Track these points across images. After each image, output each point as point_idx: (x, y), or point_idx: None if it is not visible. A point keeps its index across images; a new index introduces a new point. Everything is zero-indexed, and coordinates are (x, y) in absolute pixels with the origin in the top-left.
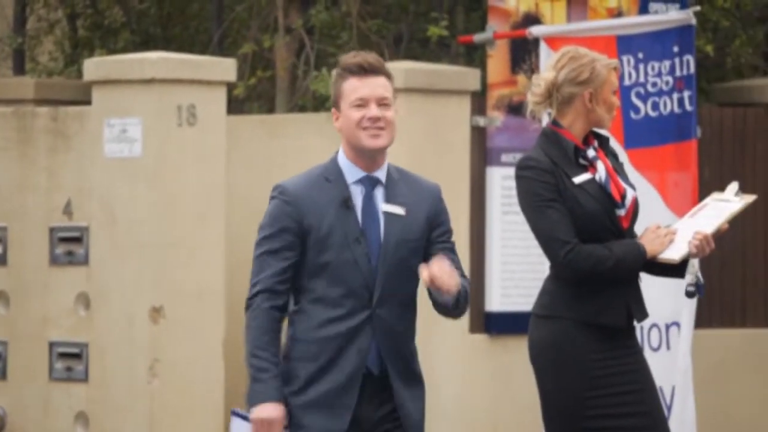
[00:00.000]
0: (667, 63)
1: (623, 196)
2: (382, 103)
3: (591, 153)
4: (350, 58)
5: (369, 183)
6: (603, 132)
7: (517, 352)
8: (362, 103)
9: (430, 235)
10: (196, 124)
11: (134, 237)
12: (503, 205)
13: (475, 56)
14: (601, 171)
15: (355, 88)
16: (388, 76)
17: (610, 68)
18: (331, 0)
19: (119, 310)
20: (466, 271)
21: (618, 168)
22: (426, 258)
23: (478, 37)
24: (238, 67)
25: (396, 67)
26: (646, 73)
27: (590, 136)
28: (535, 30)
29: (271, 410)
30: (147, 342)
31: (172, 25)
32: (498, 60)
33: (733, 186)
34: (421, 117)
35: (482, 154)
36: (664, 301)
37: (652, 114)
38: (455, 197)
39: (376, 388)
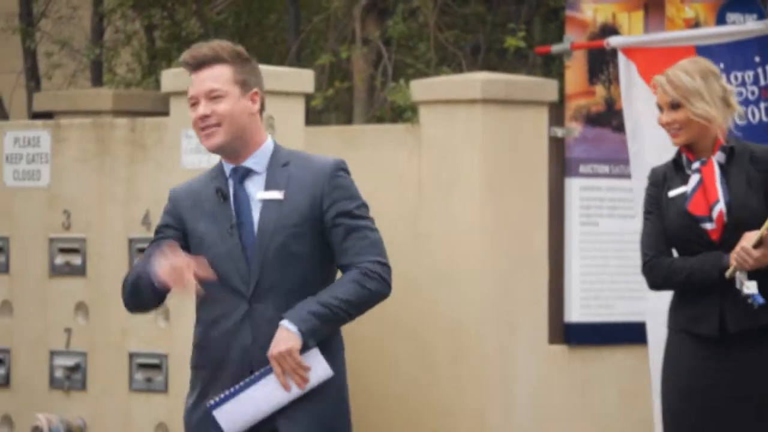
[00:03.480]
0: (750, 73)
1: (711, 209)
2: (211, 96)
3: (696, 165)
4: (184, 53)
5: (239, 174)
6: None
7: (595, 363)
8: (195, 101)
9: (324, 216)
10: (274, 135)
11: None
12: (582, 216)
13: (552, 67)
14: (690, 185)
15: (190, 86)
16: (224, 61)
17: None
18: (409, 11)
19: None
20: (544, 283)
21: (738, 178)
22: (327, 241)
23: (555, 48)
24: (315, 78)
25: (473, 78)
26: (729, 83)
27: (716, 147)
28: (612, 40)
29: (167, 260)
30: None
31: (249, 36)
32: (575, 71)
33: None
34: (499, 128)
35: (560, 165)
36: None
37: (740, 123)
38: (533, 208)
39: None
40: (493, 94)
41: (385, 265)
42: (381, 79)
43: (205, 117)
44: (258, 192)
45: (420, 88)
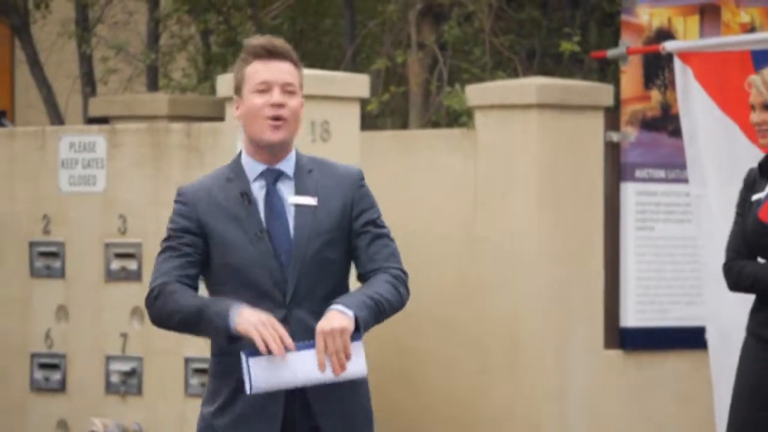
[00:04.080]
0: None
1: None
2: (286, 89)
3: None
4: (254, 40)
5: (270, 176)
6: None
7: (652, 368)
8: (265, 88)
9: (353, 224)
10: (330, 140)
11: None
12: (637, 220)
13: (608, 72)
14: (766, 191)
15: (257, 71)
16: (295, 63)
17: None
18: (464, 16)
19: None
20: (600, 288)
21: None
22: (352, 250)
23: (611, 53)
24: (371, 83)
25: (529, 82)
26: None
27: None
28: (669, 45)
29: (253, 311)
30: None
31: (305, 41)
32: (631, 75)
33: None
34: (554, 132)
35: (616, 170)
36: None
37: None
38: (589, 213)
39: (306, 394)
40: (548, 99)
41: (407, 275)
42: (436, 83)
43: (279, 106)
44: (290, 197)
45: (475, 93)
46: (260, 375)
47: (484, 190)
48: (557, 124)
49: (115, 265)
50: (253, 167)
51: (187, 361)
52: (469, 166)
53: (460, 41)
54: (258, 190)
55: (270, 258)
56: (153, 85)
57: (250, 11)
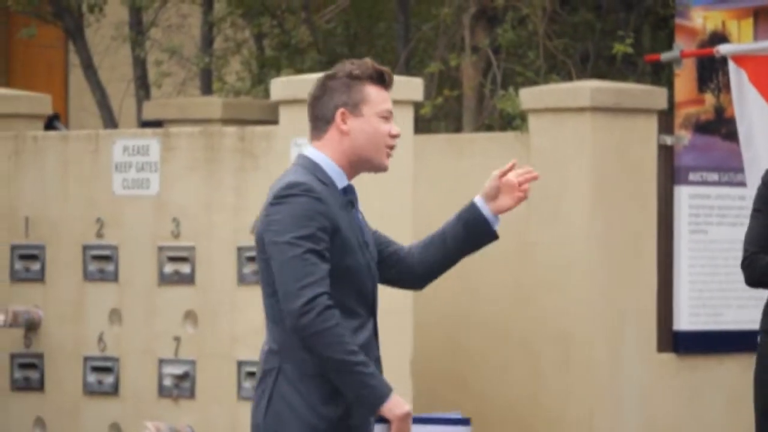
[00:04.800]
0: None
1: None
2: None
3: None
4: (372, 63)
5: (352, 191)
6: None
7: (705, 371)
8: (389, 116)
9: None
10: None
11: None
12: (691, 224)
13: (661, 75)
14: None
15: (383, 98)
16: None
17: None
18: (518, 19)
19: None
20: (653, 291)
21: None
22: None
23: (665, 56)
24: (424, 86)
25: (583, 86)
26: None
27: None
28: (723, 48)
29: (403, 402)
30: None
31: (359, 45)
32: (685, 78)
33: None
34: (608, 136)
35: (670, 173)
36: None
37: None
38: (642, 216)
39: None
40: (602, 102)
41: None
42: (490, 87)
43: (396, 137)
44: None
45: (529, 96)
46: None
47: (537, 193)
48: (611, 128)
49: (168, 268)
50: (340, 178)
51: (240, 364)
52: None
53: (514, 44)
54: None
55: (373, 266)
56: (207, 89)
57: (304, 14)
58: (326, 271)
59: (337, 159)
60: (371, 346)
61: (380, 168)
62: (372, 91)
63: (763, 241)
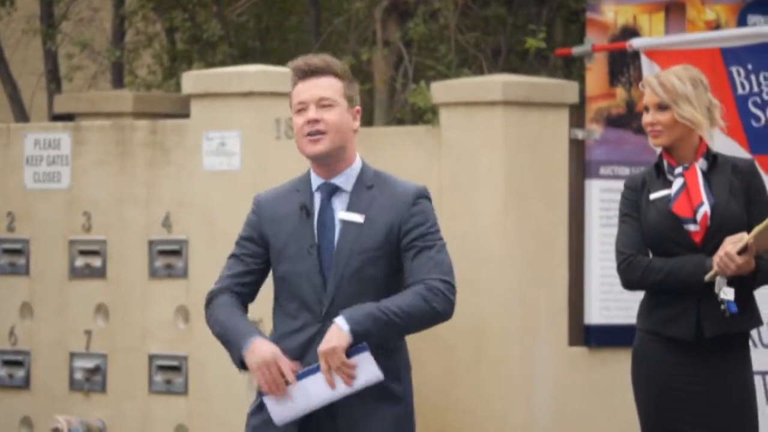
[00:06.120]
0: None
1: (695, 212)
2: (321, 104)
3: (679, 170)
4: (295, 62)
5: (326, 190)
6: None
7: (615, 365)
8: (303, 107)
9: (400, 242)
10: (294, 137)
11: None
12: (602, 218)
13: (573, 69)
14: (674, 187)
15: (298, 92)
16: (336, 75)
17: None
18: (430, 13)
19: None
20: (565, 285)
21: (720, 185)
22: (400, 267)
23: (576, 50)
24: None
25: (494, 80)
26: (759, 83)
27: (698, 154)
28: (636, 42)
29: (260, 348)
30: None
31: (270, 38)
32: (596, 73)
33: None
34: (519, 130)
35: (581, 167)
36: None
37: None
38: (553, 210)
39: (335, 406)
40: (513, 96)
41: (450, 285)
42: (401, 80)
43: (314, 122)
44: (340, 212)
45: (440, 90)
46: (278, 410)
47: (448, 187)
48: (522, 122)
49: (80, 262)
50: (314, 180)
51: (151, 358)
52: (433, 164)
53: (426, 38)
54: (316, 203)
55: (315, 272)
56: (118, 82)
57: (216, 8)
58: (240, 270)
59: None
60: (308, 349)
61: (310, 156)
62: (294, 90)
63: (638, 244)
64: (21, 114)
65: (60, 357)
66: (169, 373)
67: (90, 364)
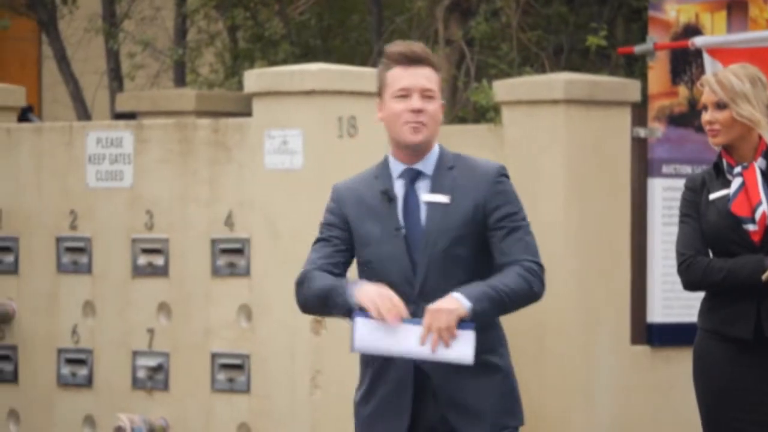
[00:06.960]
0: None
1: (754, 211)
2: (425, 95)
3: (737, 169)
4: (395, 46)
5: (409, 176)
6: None
7: (678, 363)
8: (405, 94)
9: (487, 221)
10: (357, 135)
11: (295, 248)
12: (664, 216)
13: (635, 67)
14: (732, 187)
15: (398, 78)
16: (434, 67)
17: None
18: (492, 11)
19: (281, 321)
20: (627, 283)
21: None
22: (488, 246)
23: (638, 48)
24: None
25: (556, 78)
26: None
27: (757, 153)
28: (698, 40)
29: (372, 286)
30: (309, 353)
31: (332, 37)
32: (658, 71)
33: None
34: (581, 128)
35: (643, 166)
36: None
37: None
38: (616, 208)
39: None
40: (575, 95)
41: (543, 267)
42: (463, 79)
43: (419, 112)
44: (424, 194)
45: (502, 89)
46: (365, 336)
47: None
48: (584, 120)
49: (142, 260)
50: (395, 166)
51: (214, 356)
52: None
53: (488, 37)
54: (399, 189)
55: (403, 254)
56: (180, 81)
57: (278, 7)
58: (328, 251)
59: (390, 148)
60: None
61: (410, 145)
62: (391, 74)
63: (698, 244)
64: (83, 112)
65: (123, 355)
66: (232, 372)
67: (152, 362)
